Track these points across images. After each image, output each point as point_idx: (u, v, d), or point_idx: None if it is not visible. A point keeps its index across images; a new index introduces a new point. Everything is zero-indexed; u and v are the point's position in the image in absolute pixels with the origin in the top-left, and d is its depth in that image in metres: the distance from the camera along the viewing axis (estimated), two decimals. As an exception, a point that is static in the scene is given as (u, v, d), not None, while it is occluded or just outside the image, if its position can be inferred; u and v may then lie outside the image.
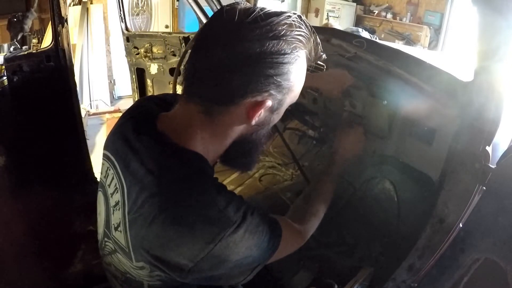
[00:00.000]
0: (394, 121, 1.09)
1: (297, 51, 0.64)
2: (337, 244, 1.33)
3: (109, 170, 0.74)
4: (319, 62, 1.19)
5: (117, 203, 0.70)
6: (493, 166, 0.77)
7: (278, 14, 0.62)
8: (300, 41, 0.63)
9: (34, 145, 1.77)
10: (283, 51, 0.61)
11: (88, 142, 2.23)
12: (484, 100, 0.76)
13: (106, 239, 0.77)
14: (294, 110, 1.54)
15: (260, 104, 0.65)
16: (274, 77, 0.62)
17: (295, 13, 0.64)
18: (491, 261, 0.80)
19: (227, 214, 0.65)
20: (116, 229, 0.70)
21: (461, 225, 0.83)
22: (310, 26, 0.67)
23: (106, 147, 0.78)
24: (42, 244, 1.45)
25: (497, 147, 0.81)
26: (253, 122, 0.67)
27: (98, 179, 2.16)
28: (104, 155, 0.78)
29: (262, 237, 0.69)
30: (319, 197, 1.01)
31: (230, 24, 0.61)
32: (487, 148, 0.77)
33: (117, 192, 0.70)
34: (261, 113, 0.67)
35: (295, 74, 0.66)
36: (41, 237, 1.48)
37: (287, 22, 0.61)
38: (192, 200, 0.64)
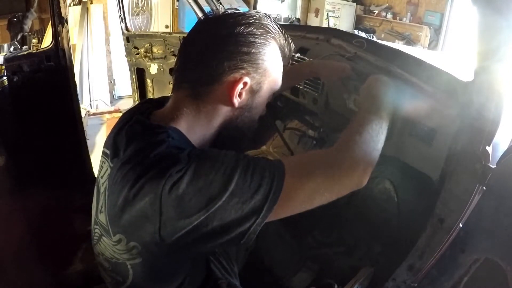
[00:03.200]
0: (394, 121, 1.09)
1: (266, 37, 0.73)
2: (337, 244, 1.33)
3: (104, 163, 0.78)
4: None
5: (104, 190, 0.74)
6: (493, 166, 0.77)
7: (248, 11, 0.74)
8: (269, 29, 0.73)
9: (34, 145, 1.77)
10: (253, 32, 0.71)
11: (88, 142, 2.23)
12: (484, 100, 0.76)
13: (95, 226, 0.80)
14: (294, 110, 1.55)
15: (238, 81, 0.72)
16: (247, 55, 0.71)
17: (263, 12, 0.76)
18: (491, 261, 0.80)
19: (178, 154, 0.64)
20: (100, 211, 0.75)
21: (461, 225, 0.83)
22: (277, 23, 0.77)
23: (105, 144, 0.82)
24: (42, 244, 1.45)
25: (497, 147, 0.81)
26: (235, 101, 0.73)
27: (98, 179, 2.16)
28: (103, 152, 0.81)
29: (234, 171, 0.62)
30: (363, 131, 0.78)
31: (210, 21, 0.76)
32: (487, 148, 0.77)
33: (106, 181, 0.74)
34: (243, 94, 0.74)
35: (269, 57, 0.74)
36: (41, 237, 1.48)
37: (256, 15, 0.73)
38: (151, 153, 0.65)
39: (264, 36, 0.73)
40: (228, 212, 0.61)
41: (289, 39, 0.78)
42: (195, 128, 0.75)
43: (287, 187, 0.63)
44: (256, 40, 0.72)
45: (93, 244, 0.84)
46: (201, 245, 0.66)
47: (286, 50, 0.78)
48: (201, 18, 0.79)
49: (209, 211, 0.60)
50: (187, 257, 0.77)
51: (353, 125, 0.79)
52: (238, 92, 0.73)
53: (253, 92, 0.75)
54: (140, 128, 0.73)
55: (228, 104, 0.74)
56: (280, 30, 0.76)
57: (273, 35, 0.74)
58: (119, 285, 0.77)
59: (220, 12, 0.76)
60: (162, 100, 0.88)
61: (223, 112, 0.76)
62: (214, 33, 0.72)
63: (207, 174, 0.61)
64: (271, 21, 0.75)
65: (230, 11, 0.75)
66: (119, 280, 0.77)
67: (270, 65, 0.75)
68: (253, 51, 0.72)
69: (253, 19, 0.72)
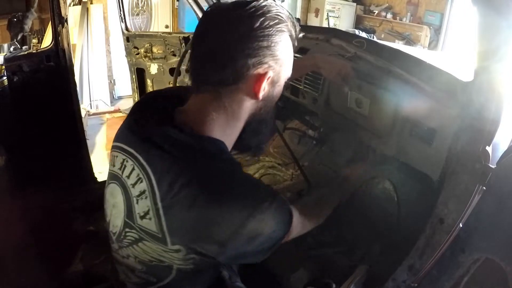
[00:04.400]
0: (395, 121, 1.09)
1: (279, 26, 0.73)
2: (337, 243, 1.33)
3: (126, 161, 0.76)
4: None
5: (142, 193, 0.72)
6: (493, 166, 0.77)
7: (254, 1, 0.72)
8: (281, 17, 0.73)
9: (34, 145, 1.77)
10: (269, 25, 0.71)
11: (88, 142, 2.23)
12: (484, 100, 0.76)
13: (127, 229, 0.77)
14: (294, 110, 1.55)
15: (263, 76, 0.72)
16: (267, 49, 0.71)
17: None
18: (491, 261, 0.80)
19: (261, 189, 0.74)
20: (143, 217, 0.73)
21: (461, 225, 0.83)
22: (283, 8, 0.77)
23: (119, 139, 0.81)
24: (42, 244, 1.45)
25: (497, 147, 0.81)
26: (260, 96, 0.74)
27: (98, 179, 2.17)
28: (118, 147, 0.80)
29: (286, 214, 0.76)
30: (325, 206, 1.02)
31: (222, 15, 0.73)
32: (487, 148, 0.77)
33: (141, 182, 0.72)
34: (265, 87, 0.74)
35: (283, 46, 0.74)
36: (41, 237, 1.48)
37: (266, 4, 0.72)
38: (228, 180, 0.71)
39: (278, 26, 0.72)
40: (271, 244, 0.76)
41: (294, 21, 0.78)
42: (227, 131, 0.77)
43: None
44: (272, 32, 0.71)
45: (119, 246, 0.81)
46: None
47: (294, 34, 0.78)
48: (210, 12, 0.77)
49: (264, 245, 0.74)
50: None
51: (327, 200, 1.03)
52: (263, 86, 0.74)
53: (273, 83, 0.77)
54: (182, 136, 0.72)
55: (253, 98, 0.76)
56: (288, 15, 0.76)
57: (285, 23, 0.74)
58: (149, 285, 0.79)
59: (227, 3, 0.75)
60: (170, 93, 0.90)
61: (248, 107, 0.77)
62: (232, 30, 0.70)
63: (272, 231, 0.74)
64: (279, 7, 0.75)
65: (239, 2, 0.73)
66: (152, 281, 0.79)
67: (285, 54, 0.76)
68: (272, 44, 0.72)
69: (265, 9, 0.71)
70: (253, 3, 0.71)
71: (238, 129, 0.80)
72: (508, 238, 0.78)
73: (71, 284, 1.41)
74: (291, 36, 0.77)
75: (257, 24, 0.70)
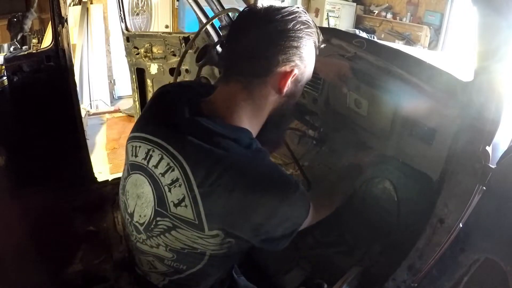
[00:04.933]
0: (394, 121, 1.09)
1: (307, 31, 0.80)
2: (337, 243, 1.33)
3: (152, 151, 0.79)
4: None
5: (175, 181, 0.75)
6: (493, 166, 0.77)
7: (288, 6, 0.82)
8: (309, 24, 0.81)
9: (34, 145, 1.77)
10: (299, 28, 0.79)
11: (88, 142, 2.23)
12: (484, 100, 0.76)
13: (159, 217, 0.79)
14: (294, 110, 1.55)
15: (289, 73, 0.80)
16: (296, 49, 0.79)
17: (297, 6, 0.83)
18: (491, 261, 0.80)
19: (288, 176, 0.79)
20: (177, 205, 0.76)
21: (461, 225, 0.83)
22: (311, 19, 0.84)
23: (142, 130, 0.84)
24: (42, 244, 1.45)
25: (497, 147, 0.82)
26: (284, 91, 0.81)
27: (98, 179, 2.17)
28: (140, 138, 0.83)
29: (307, 201, 0.81)
30: (336, 189, 1.11)
31: (258, 15, 0.80)
32: (487, 148, 0.77)
33: (172, 170, 0.76)
34: (289, 84, 0.81)
35: (309, 49, 0.82)
36: (41, 237, 1.48)
37: (298, 10, 0.81)
38: (263, 167, 0.77)
39: (306, 31, 0.80)
40: (293, 229, 0.81)
41: (319, 31, 0.85)
42: (253, 121, 0.83)
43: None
44: (302, 35, 0.79)
45: (147, 236, 0.82)
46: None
47: (317, 42, 0.86)
48: (248, 11, 0.84)
49: (288, 229, 0.80)
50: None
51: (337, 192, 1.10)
52: (287, 83, 0.81)
53: (297, 81, 0.84)
54: (211, 124, 0.77)
55: (278, 93, 0.82)
56: (314, 24, 0.84)
57: (312, 29, 0.82)
58: (177, 273, 0.83)
59: (262, 6, 0.82)
60: (190, 85, 0.97)
61: (272, 100, 0.84)
62: (267, 28, 0.78)
63: (299, 215, 0.80)
64: (308, 15, 0.83)
65: (273, 6, 0.81)
66: (181, 269, 0.82)
67: (309, 57, 0.84)
68: (300, 45, 0.79)
69: (296, 14, 0.79)
70: (287, 8, 0.79)
71: (262, 121, 0.86)
72: (508, 238, 0.78)
73: (71, 284, 1.41)
74: (314, 43, 0.85)
75: (290, 26, 0.77)
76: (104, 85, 4.71)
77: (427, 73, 1.03)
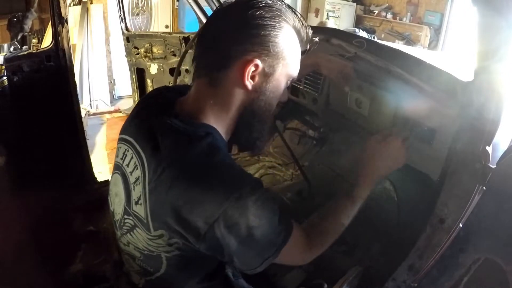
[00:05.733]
0: (394, 121, 1.09)
1: (277, 19, 0.74)
2: (337, 243, 1.33)
3: (127, 151, 0.80)
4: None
5: (137, 179, 0.75)
6: (493, 166, 0.77)
7: None
8: (281, 12, 0.74)
9: (34, 145, 1.77)
10: (262, 15, 0.72)
11: (88, 142, 2.23)
12: (484, 100, 0.76)
13: (126, 216, 0.79)
14: (294, 110, 1.55)
15: (248, 63, 0.73)
16: (257, 37, 0.72)
17: None
18: (491, 261, 0.80)
19: (243, 176, 0.72)
20: (136, 203, 0.75)
21: (461, 225, 0.83)
22: (292, 8, 0.78)
23: (124, 131, 0.85)
24: (42, 244, 1.45)
25: (497, 147, 0.81)
26: (248, 84, 0.75)
27: (98, 179, 2.17)
28: (122, 139, 0.84)
29: (274, 215, 0.72)
30: (336, 219, 0.90)
31: (223, 9, 0.78)
32: (487, 148, 0.77)
33: (137, 168, 0.75)
34: (256, 77, 0.75)
35: (282, 40, 0.75)
36: (41, 237, 1.48)
37: (268, 0, 0.75)
38: (209, 161, 0.70)
39: (275, 19, 0.73)
40: (250, 252, 0.72)
41: (306, 24, 0.79)
42: (221, 119, 0.79)
43: (290, 243, 0.75)
44: (266, 23, 0.72)
45: (120, 233, 0.84)
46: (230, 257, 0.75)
47: (303, 34, 0.79)
48: (216, 9, 0.82)
49: (244, 246, 0.70)
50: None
51: (337, 218, 0.90)
52: (250, 75, 0.74)
53: (266, 75, 0.76)
54: (177, 123, 0.75)
55: (242, 87, 0.76)
56: (296, 14, 0.77)
57: (284, 18, 0.75)
58: (148, 274, 0.81)
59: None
60: (178, 88, 0.94)
61: (239, 96, 0.77)
62: (226, 19, 0.76)
63: (259, 219, 0.70)
64: (285, 5, 0.76)
65: None
66: (150, 271, 0.80)
67: (283, 48, 0.76)
68: (263, 33, 0.72)
69: (263, 3, 0.73)
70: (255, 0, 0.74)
71: (232, 118, 0.80)
72: (508, 238, 0.78)
73: (71, 284, 1.41)
74: (297, 34, 0.78)
75: (250, 13, 0.72)
76: (104, 85, 4.71)
77: (427, 73, 1.03)
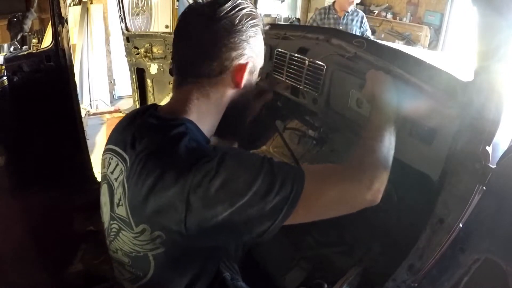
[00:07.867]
0: (395, 121, 1.09)
1: (254, 21, 0.80)
2: (337, 244, 1.33)
3: (111, 159, 0.81)
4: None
5: (119, 182, 0.76)
6: (493, 166, 0.77)
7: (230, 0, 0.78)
8: (254, 13, 0.81)
9: (34, 145, 1.77)
10: (245, 21, 0.78)
11: (88, 142, 2.24)
12: (484, 100, 0.76)
13: (111, 221, 0.80)
14: (294, 110, 1.55)
15: (244, 66, 0.79)
16: (246, 42, 0.79)
17: None
18: (491, 261, 0.80)
19: (208, 150, 0.70)
20: (118, 205, 0.76)
21: (461, 225, 0.83)
22: (253, 6, 0.84)
23: (108, 142, 0.86)
24: (42, 244, 1.45)
25: (497, 147, 0.81)
26: (242, 85, 0.81)
27: (98, 179, 2.17)
28: (106, 149, 0.85)
29: (253, 159, 0.70)
30: (372, 145, 0.84)
31: (202, 14, 0.78)
32: (487, 148, 0.77)
33: (120, 172, 0.77)
34: (245, 77, 0.81)
35: (258, 39, 0.83)
36: (41, 237, 1.48)
37: (240, 1, 0.79)
38: (173, 144, 0.70)
39: (253, 21, 0.80)
40: (250, 210, 0.66)
41: (261, 16, 0.85)
42: (206, 117, 0.81)
43: (306, 193, 0.68)
44: (248, 28, 0.79)
45: (109, 241, 0.84)
46: (222, 239, 0.75)
47: (262, 27, 0.85)
48: (189, 12, 0.82)
49: (234, 207, 0.65)
50: (206, 249, 0.80)
51: (367, 140, 0.85)
52: (244, 76, 0.80)
53: (251, 72, 0.84)
54: (154, 121, 0.78)
55: (234, 87, 0.81)
56: (256, 11, 0.83)
57: (258, 19, 0.82)
58: (139, 280, 0.80)
59: (204, 2, 0.82)
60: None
61: (230, 95, 0.83)
62: (214, 27, 0.76)
63: (234, 171, 0.67)
64: (251, 4, 0.82)
65: (215, 1, 0.79)
66: (139, 275, 0.79)
67: (259, 46, 0.84)
68: (248, 37, 0.79)
69: (240, 7, 0.78)
70: (229, 2, 0.77)
71: (217, 115, 0.84)
72: (508, 238, 0.78)
73: (71, 284, 1.41)
74: (261, 29, 0.84)
75: (236, 22, 0.77)
76: (104, 85, 4.71)
77: (427, 73, 1.03)
